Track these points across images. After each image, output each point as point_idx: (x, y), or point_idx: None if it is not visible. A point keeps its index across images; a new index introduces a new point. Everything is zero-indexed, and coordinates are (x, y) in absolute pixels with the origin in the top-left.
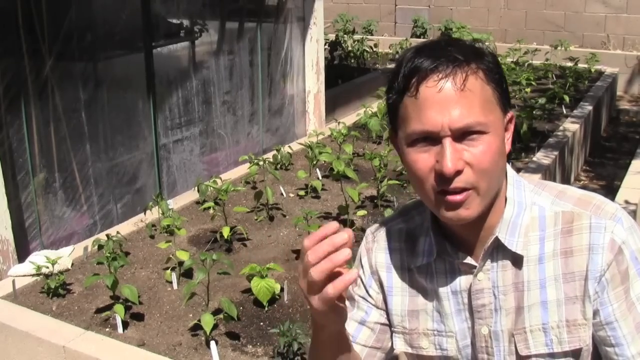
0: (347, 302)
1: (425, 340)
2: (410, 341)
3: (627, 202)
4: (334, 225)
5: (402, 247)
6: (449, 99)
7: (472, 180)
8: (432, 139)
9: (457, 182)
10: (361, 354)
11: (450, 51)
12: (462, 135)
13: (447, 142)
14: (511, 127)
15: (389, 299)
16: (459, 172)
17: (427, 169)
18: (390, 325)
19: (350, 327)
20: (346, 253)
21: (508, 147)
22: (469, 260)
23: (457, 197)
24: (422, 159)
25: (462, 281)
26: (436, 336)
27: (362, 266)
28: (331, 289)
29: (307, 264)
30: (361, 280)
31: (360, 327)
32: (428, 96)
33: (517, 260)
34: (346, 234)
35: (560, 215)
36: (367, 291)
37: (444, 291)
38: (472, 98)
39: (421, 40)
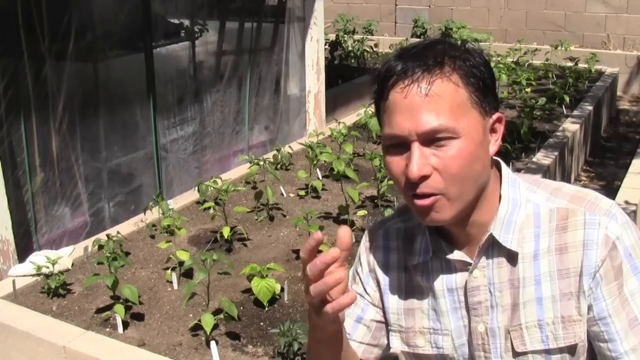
0: None
1: (421, 338)
2: (407, 340)
3: (627, 202)
4: (318, 236)
5: (399, 246)
6: (414, 104)
7: (439, 186)
8: (402, 143)
9: (423, 188)
10: (358, 350)
11: (425, 55)
12: (430, 140)
13: (415, 146)
14: (500, 127)
15: (385, 297)
16: (425, 177)
17: (399, 171)
18: (386, 323)
19: (347, 324)
20: (338, 276)
21: (495, 148)
22: (464, 257)
23: (425, 202)
24: (395, 161)
25: (458, 278)
26: (432, 334)
27: (360, 264)
28: (329, 309)
29: (307, 279)
30: (359, 277)
31: (357, 324)
32: (397, 101)
33: (512, 257)
34: (336, 251)
35: (555, 212)
36: (364, 289)
37: (440, 289)
38: (440, 102)
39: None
